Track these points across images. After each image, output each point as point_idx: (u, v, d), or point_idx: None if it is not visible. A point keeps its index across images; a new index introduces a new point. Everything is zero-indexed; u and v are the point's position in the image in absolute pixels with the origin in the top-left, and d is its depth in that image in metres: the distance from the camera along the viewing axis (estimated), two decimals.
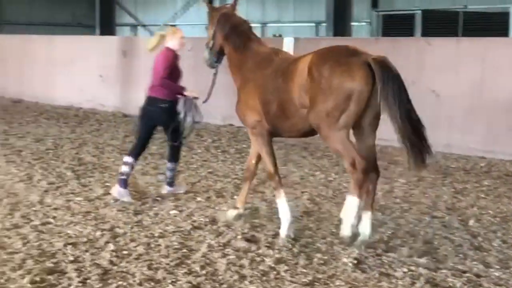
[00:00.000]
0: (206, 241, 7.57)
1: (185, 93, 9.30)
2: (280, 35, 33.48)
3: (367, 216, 7.37)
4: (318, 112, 7.16)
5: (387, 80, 6.95)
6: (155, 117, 9.43)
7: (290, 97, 7.52)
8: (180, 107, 9.31)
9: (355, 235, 7.30)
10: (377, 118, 7.28)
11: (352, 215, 7.21)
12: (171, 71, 9.28)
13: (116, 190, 9.36)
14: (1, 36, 34.19)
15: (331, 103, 7.05)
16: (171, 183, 9.82)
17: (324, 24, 28.70)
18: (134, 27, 44.38)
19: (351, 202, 7.19)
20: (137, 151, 9.56)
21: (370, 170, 7.22)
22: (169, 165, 9.78)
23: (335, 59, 7.22)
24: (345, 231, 7.26)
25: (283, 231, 7.79)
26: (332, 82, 7.06)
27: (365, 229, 7.38)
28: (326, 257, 7.12)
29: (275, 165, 7.97)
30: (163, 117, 9.39)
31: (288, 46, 15.89)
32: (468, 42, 14.81)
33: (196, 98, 9.34)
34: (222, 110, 16.09)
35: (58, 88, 22.26)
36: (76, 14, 44.98)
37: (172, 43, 9.46)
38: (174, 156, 9.77)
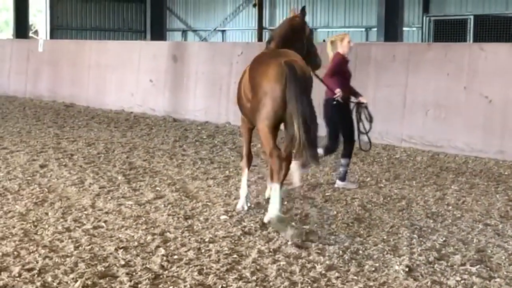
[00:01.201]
0: (256, 247, 7.55)
1: (352, 98, 10.68)
2: None
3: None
4: (252, 106, 8.33)
5: (291, 81, 7.87)
6: (323, 111, 10.64)
7: (240, 90, 8.83)
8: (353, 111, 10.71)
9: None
10: None
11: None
12: (340, 72, 10.57)
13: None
14: (54, 40, 34.77)
15: (256, 98, 8.17)
16: (343, 178, 10.65)
17: (374, 29, 28.57)
18: (184, 32, 44.63)
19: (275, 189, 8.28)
20: (330, 150, 10.78)
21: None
22: (342, 161, 10.77)
23: (261, 61, 8.44)
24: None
25: (239, 204, 9.19)
26: (255, 80, 8.24)
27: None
28: (377, 264, 7.06)
29: (248, 151, 9.23)
30: (325, 111, 10.62)
31: None
32: None
33: (361, 103, 10.64)
34: None
35: (109, 93, 22.47)
36: (127, 19, 45.39)
37: (341, 48, 10.69)
38: (348, 153, 10.74)
